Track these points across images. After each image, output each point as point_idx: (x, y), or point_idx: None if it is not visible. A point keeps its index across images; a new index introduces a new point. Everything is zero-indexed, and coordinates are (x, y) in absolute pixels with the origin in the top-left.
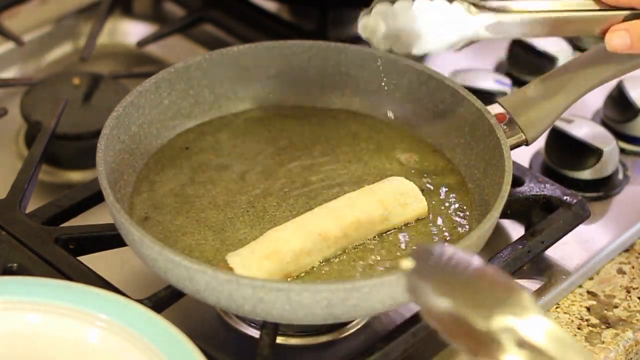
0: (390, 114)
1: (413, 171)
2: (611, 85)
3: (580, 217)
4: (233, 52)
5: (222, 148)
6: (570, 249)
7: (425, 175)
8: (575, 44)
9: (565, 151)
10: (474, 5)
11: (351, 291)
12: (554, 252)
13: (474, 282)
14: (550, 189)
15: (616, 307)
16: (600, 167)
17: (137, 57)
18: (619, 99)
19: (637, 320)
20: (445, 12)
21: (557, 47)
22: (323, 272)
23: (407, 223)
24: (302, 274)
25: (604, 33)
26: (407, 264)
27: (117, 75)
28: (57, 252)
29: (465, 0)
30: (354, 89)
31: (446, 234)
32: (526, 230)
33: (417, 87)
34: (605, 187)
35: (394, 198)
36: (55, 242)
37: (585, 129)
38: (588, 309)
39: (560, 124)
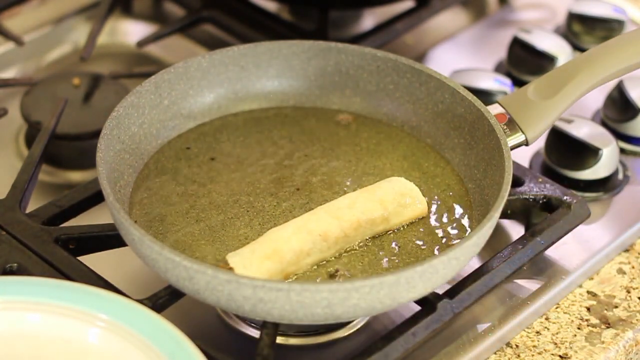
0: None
1: (413, 171)
2: (611, 85)
3: (580, 217)
4: (233, 52)
5: (222, 148)
6: (570, 249)
7: (425, 175)
8: (575, 44)
9: (565, 151)
10: None
11: (351, 291)
12: (553, 252)
13: None
14: (550, 189)
15: (616, 307)
16: (600, 167)
17: (137, 57)
18: (619, 99)
19: (637, 320)
20: None
21: (557, 47)
22: (322, 272)
23: (408, 223)
24: (305, 274)
25: None
26: None
27: (117, 75)
28: (57, 252)
29: None
30: (354, 89)
31: (446, 234)
32: (526, 230)
33: (417, 87)
34: (605, 187)
35: (394, 198)
36: (55, 242)
37: (585, 129)
38: (588, 309)
39: (560, 124)
